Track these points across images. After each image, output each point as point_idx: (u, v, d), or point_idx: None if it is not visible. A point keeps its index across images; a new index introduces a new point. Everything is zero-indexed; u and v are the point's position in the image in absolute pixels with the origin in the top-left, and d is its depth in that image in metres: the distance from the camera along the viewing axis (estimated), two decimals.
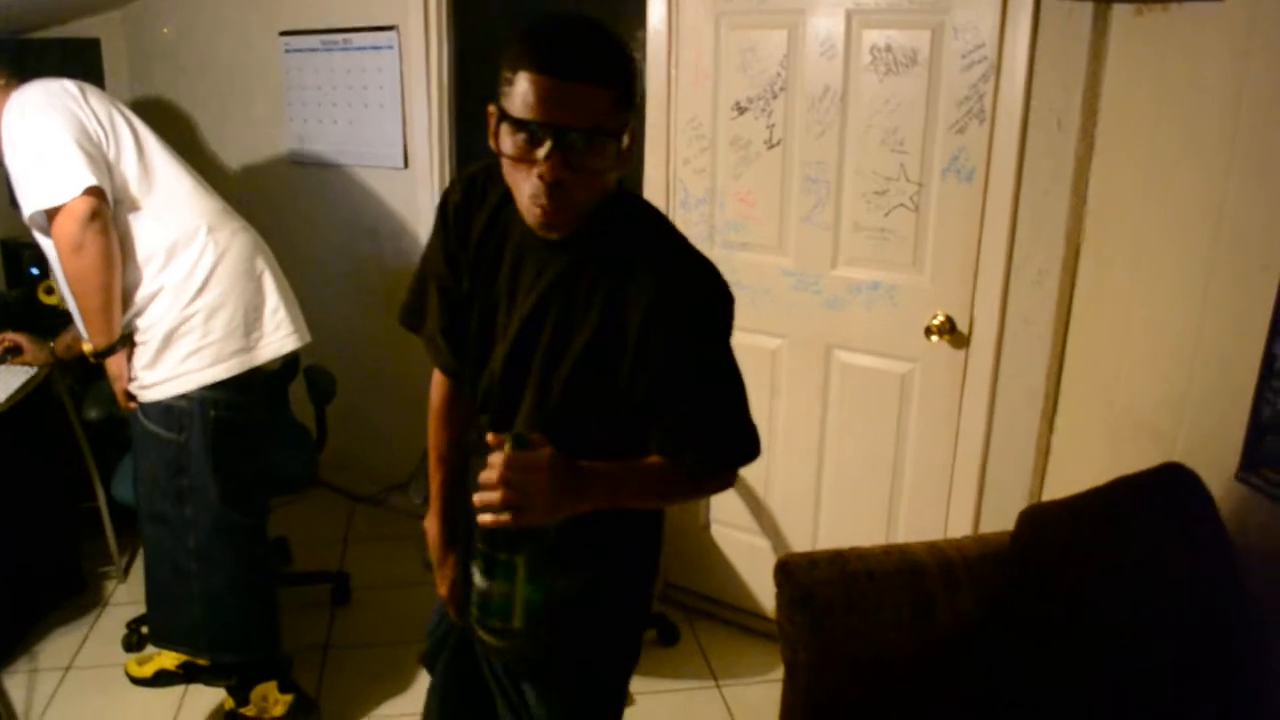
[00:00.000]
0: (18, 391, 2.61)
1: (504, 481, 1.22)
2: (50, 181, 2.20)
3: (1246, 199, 1.86)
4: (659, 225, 1.46)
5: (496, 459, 1.24)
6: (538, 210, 1.29)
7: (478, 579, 1.33)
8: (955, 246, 2.47)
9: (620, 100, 1.25)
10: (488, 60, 3.48)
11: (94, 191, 2.20)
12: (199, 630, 2.50)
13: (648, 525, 1.61)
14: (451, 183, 1.54)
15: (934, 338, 2.52)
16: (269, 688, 2.60)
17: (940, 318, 2.51)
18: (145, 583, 2.58)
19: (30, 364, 2.72)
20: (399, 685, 2.82)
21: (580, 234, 1.36)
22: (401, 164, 3.51)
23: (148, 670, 2.74)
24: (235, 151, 3.92)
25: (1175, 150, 2.03)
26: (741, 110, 2.71)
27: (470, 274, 1.49)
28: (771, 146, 2.69)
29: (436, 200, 3.44)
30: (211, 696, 2.72)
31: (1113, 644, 1.63)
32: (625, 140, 1.29)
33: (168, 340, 2.33)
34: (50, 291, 3.33)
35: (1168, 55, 2.05)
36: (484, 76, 3.53)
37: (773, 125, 2.67)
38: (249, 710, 2.58)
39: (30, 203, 2.23)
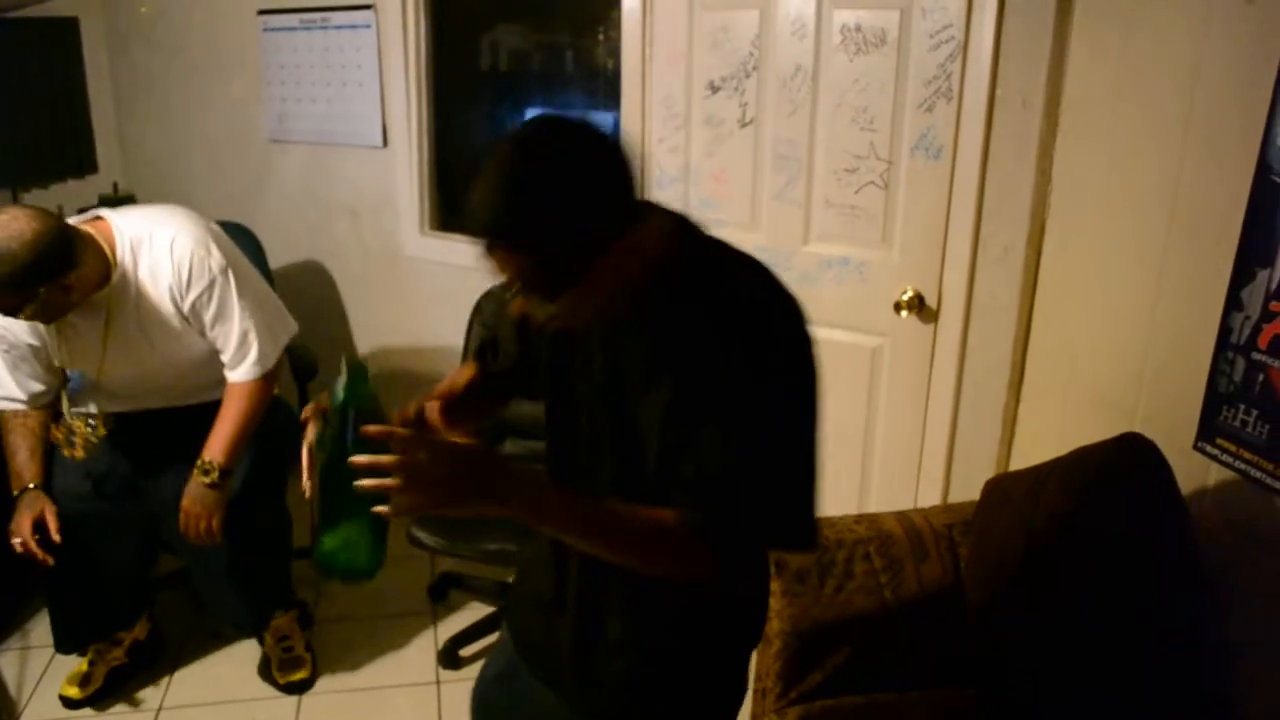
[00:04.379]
0: None
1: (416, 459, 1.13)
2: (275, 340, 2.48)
3: (1202, 176, 1.92)
4: (734, 278, 1.27)
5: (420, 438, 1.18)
6: (543, 325, 1.28)
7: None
8: (923, 223, 2.52)
9: (535, 254, 1.14)
10: (465, 38, 3.52)
11: None
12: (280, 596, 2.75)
13: (731, 623, 1.43)
14: None
15: (903, 313, 2.58)
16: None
17: (909, 293, 2.56)
18: (238, 587, 2.60)
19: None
20: (384, 657, 2.89)
21: (640, 304, 1.24)
22: (380, 143, 3.53)
23: (92, 686, 2.65)
24: (213, 131, 3.93)
25: (1135, 129, 2.08)
26: (715, 89, 2.75)
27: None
28: (744, 125, 2.73)
29: (416, 179, 3.50)
30: (208, 666, 2.79)
31: (1074, 606, 1.70)
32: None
33: None
34: None
35: (1129, 36, 2.10)
36: (462, 55, 3.56)
37: (745, 104, 2.71)
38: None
39: (260, 359, 2.42)
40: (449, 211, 3.60)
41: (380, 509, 1.15)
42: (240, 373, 2.42)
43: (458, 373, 1.62)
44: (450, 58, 3.44)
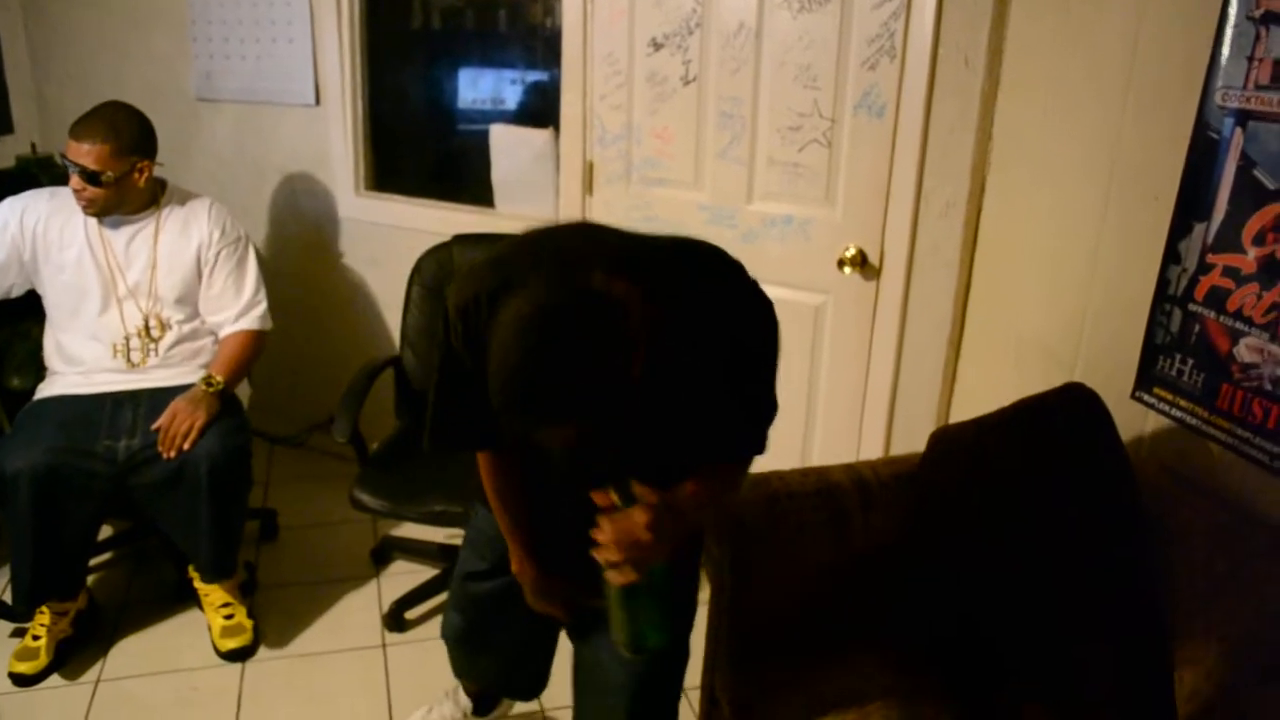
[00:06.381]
0: None
1: (620, 540, 1.38)
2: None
3: (1142, 131, 1.96)
4: (708, 285, 1.47)
5: (606, 522, 1.39)
6: None
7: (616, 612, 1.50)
8: (866, 180, 2.54)
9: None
10: None
11: None
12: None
13: None
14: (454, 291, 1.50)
15: (846, 269, 2.60)
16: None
17: (852, 250, 2.59)
18: (213, 532, 2.59)
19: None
20: (328, 622, 2.87)
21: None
22: (313, 100, 3.45)
23: (41, 661, 2.60)
24: (136, 91, 3.77)
25: (1076, 85, 2.12)
26: (658, 46, 2.73)
27: None
28: (688, 83, 2.72)
29: (350, 138, 3.44)
30: (148, 638, 2.74)
31: (1020, 553, 1.74)
32: None
33: None
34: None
35: None
36: (396, 10, 3.49)
37: (689, 61, 2.70)
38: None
39: (264, 315, 2.87)
40: (384, 171, 3.54)
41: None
42: (247, 321, 2.81)
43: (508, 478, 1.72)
44: (384, 13, 3.37)
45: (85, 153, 2.53)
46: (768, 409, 1.58)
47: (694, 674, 2.20)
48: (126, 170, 2.59)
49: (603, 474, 1.43)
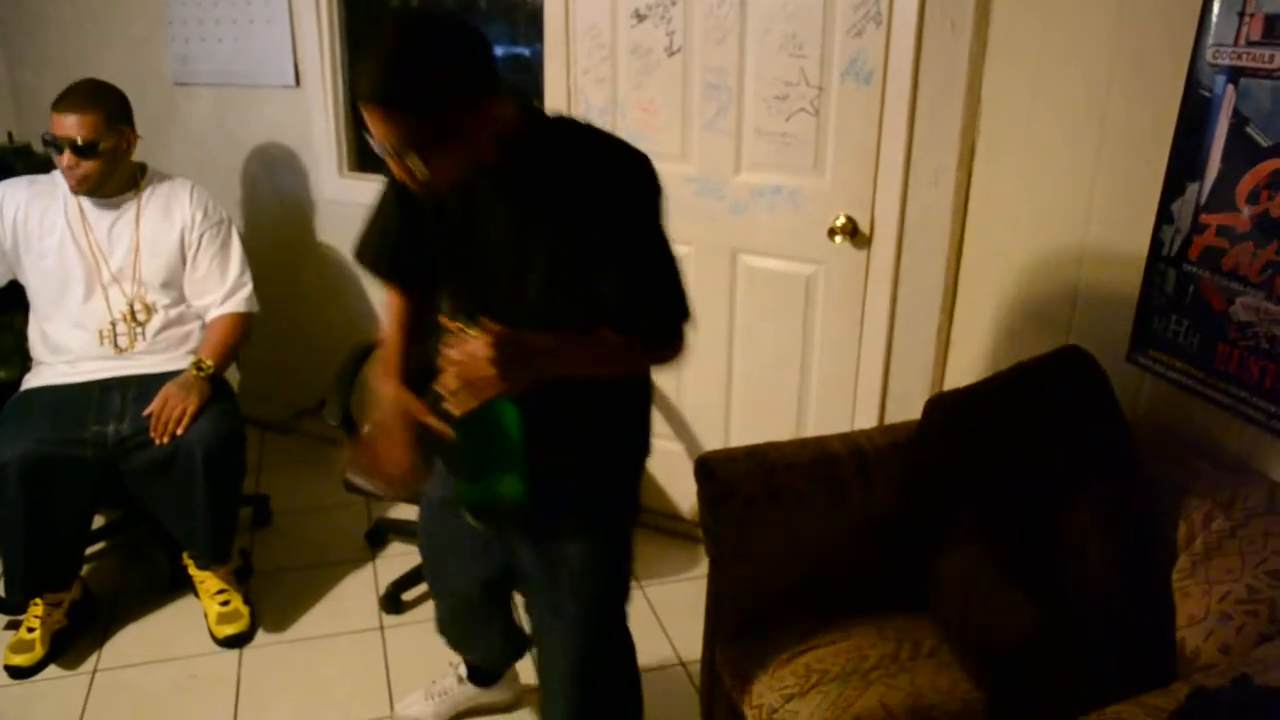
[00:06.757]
0: None
1: (459, 366, 1.38)
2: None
3: (1131, 92, 1.95)
4: (587, 130, 1.59)
5: (448, 346, 1.40)
6: (419, 187, 1.44)
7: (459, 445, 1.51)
8: (855, 149, 2.52)
9: (422, 113, 1.35)
10: None
11: None
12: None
13: (630, 396, 1.78)
14: None
15: (837, 239, 2.59)
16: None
17: (842, 219, 2.57)
18: (209, 518, 2.58)
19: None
20: (325, 606, 2.86)
21: (511, 159, 1.49)
22: (293, 82, 3.41)
23: (36, 653, 2.58)
24: (114, 74, 3.69)
25: (1064, 50, 2.10)
26: (641, 18, 2.71)
27: (431, 211, 1.63)
28: (672, 54, 2.69)
29: (332, 119, 3.40)
30: (144, 626, 2.73)
31: (1020, 511, 1.74)
32: (471, 117, 1.39)
33: None
34: None
35: None
36: None
37: (673, 32, 2.67)
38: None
39: (250, 297, 2.85)
40: (367, 152, 3.50)
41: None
42: (234, 304, 2.79)
43: (387, 323, 1.84)
44: None
45: (76, 124, 2.51)
46: (660, 286, 1.57)
47: (693, 647, 2.22)
48: (117, 140, 2.60)
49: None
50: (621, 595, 1.89)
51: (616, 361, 1.62)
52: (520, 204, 1.54)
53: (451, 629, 2.20)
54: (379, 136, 1.36)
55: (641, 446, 1.85)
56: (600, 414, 1.70)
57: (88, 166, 2.55)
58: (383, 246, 1.76)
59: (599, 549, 1.80)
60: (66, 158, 2.53)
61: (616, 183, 1.53)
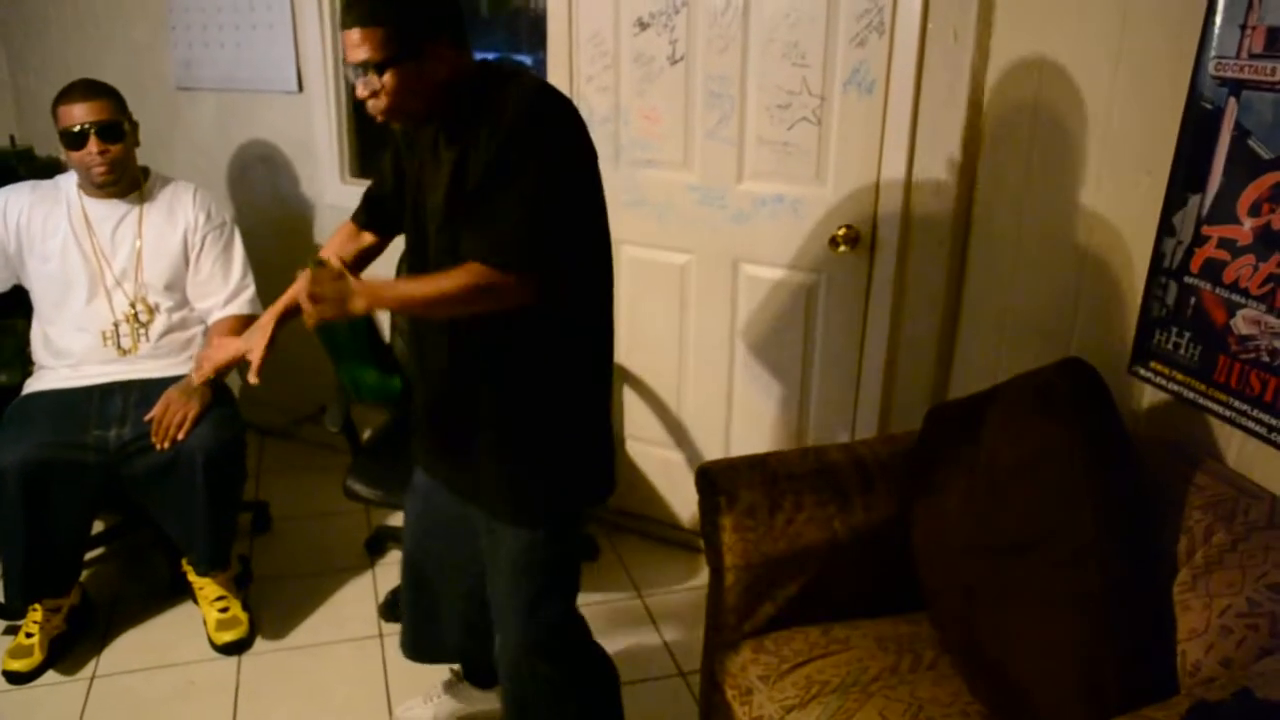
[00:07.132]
0: None
1: (307, 293, 1.63)
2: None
3: (1131, 107, 1.95)
4: (513, 80, 1.68)
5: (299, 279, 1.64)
6: (382, 114, 1.66)
7: None
8: (857, 158, 2.52)
9: (396, 32, 1.57)
10: None
11: None
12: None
13: (562, 377, 1.83)
14: None
15: (839, 248, 2.58)
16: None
17: (844, 229, 2.57)
18: (208, 524, 2.58)
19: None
20: (324, 613, 2.85)
21: (454, 110, 1.68)
22: (295, 87, 3.42)
23: (35, 658, 2.58)
24: (116, 78, 3.68)
25: (1065, 60, 2.10)
26: (644, 26, 2.71)
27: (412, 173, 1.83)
28: (675, 62, 2.70)
29: (334, 124, 3.40)
30: (143, 632, 2.71)
31: (1021, 527, 1.73)
32: (432, 53, 1.62)
33: None
34: None
35: None
36: None
37: (675, 41, 2.67)
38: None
39: (254, 299, 2.87)
40: (369, 158, 3.51)
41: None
42: (236, 306, 2.79)
43: (340, 240, 2.07)
44: None
45: (94, 109, 2.53)
46: (506, 210, 1.62)
47: (693, 658, 2.21)
48: (131, 125, 2.66)
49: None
50: (559, 588, 1.92)
51: (453, 295, 1.64)
52: (453, 156, 1.69)
53: (413, 619, 2.21)
54: (351, 59, 1.59)
55: (580, 435, 1.87)
56: (521, 388, 1.78)
57: (116, 150, 2.57)
58: (366, 201, 2.01)
59: (536, 536, 1.84)
60: (93, 144, 2.54)
61: (510, 126, 1.61)
